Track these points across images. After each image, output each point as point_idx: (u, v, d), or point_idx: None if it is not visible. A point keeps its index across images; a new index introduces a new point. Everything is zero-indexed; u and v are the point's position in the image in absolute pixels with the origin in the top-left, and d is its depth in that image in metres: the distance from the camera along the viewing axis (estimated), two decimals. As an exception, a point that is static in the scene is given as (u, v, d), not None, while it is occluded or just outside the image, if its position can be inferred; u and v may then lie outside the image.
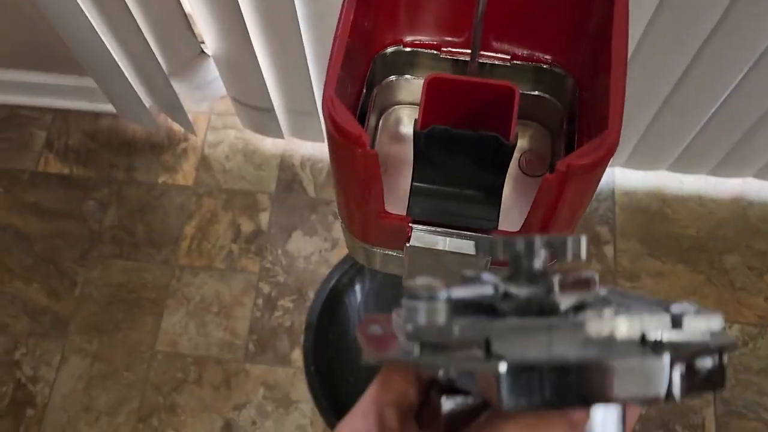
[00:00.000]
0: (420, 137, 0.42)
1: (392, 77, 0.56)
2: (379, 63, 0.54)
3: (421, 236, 0.44)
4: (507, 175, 0.57)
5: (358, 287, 1.14)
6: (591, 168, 0.36)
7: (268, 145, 1.24)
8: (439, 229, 0.44)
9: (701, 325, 0.22)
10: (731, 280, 1.10)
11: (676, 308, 0.22)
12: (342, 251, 1.15)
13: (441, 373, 0.25)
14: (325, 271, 1.14)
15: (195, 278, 1.14)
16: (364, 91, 0.56)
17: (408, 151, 0.57)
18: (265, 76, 1.03)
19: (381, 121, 0.60)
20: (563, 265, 0.25)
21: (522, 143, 0.57)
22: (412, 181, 0.46)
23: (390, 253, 0.53)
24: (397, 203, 0.54)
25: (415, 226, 0.44)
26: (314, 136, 1.19)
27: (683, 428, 1.02)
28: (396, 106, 0.60)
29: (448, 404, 0.26)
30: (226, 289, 1.13)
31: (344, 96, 0.53)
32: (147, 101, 1.18)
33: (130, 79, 1.09)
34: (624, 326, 0.22)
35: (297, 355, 1.09)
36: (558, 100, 0.53)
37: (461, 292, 0.23)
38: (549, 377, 0.21)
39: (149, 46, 1.03)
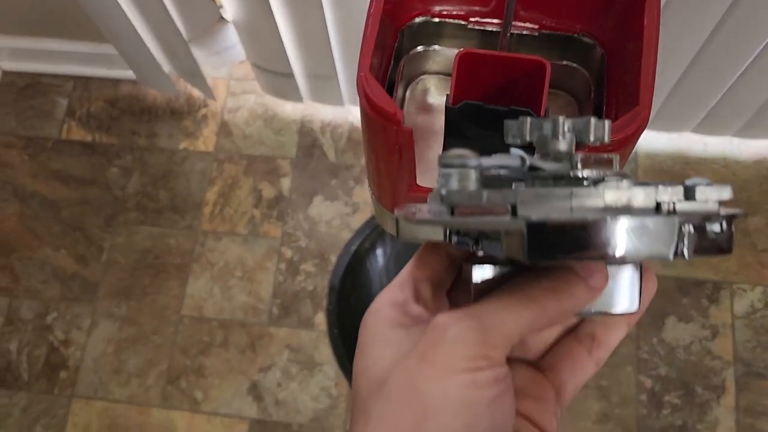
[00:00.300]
0: (451, 113, 0.42)
1: (420, 48, 0.56)
2: (407, 34, 0.53)
3: (451, 209, 0.44)
4: (534, 145, 0.57)
5: (379, 251, 1.15)
6: (622, 145, 0.36)
7: (288, 110, 1.23)
8: (469, 202, 0.44)
9: (712, 195, 0.24)
10: (754, 242, 1.10)
11: (689, 181, 0.25)
12: (363, 216, 1.16)
13: (472, 244, 0.27)
14: (347, 235, 1.15)
15: (218, 243, 1.16)
16: (392, 63, 0.56)
17: (435, 122, 0.57)
18: (284, 41, 1.02)
19: (408, 92, 0.60)
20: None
21: (549, 113, 0.56)
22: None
23: (418, 224, 0.53)
24: (424, 174, 0.54)
25: (445, 199, 0.45)
26: (334, 100, 1.19)
27: (704, 389, 1.03)
28: (423, 76, 0.59)
29: (477, 273, 0.29)
30: (249, 254, 1.15)
31: (373, 69, 0.53)
32: (166, 67, 1.19)
33: (149, 45, 1.09)
34: (640, 195, 0.24)
35: (320, 318, 1.11)
36: (586, 69, 0.53)
37: (491, 161, 0.26)
38: (569, 236, 0.23)
39: (168, 11, 1.02)
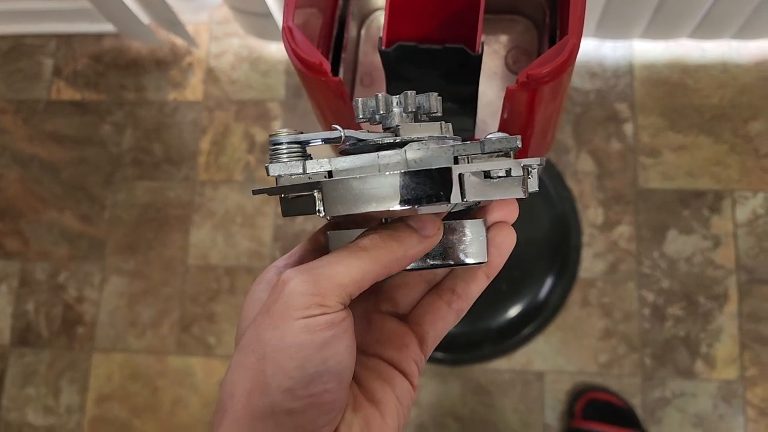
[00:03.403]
0: (386, 56, 0.41)
1: (366, -17, 0.54)
2: (351, -30, 0.51)
3: (400, 153, 0.44)
4: (494, 74, 0.55)
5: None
6: (553, 76, 0.35)
7: (273, 50, 1.21)
8: (417, 144, 0.44)
9: (500, 146, 0.28)
10: (755, 147, 1.07)
11: (490, 135, 0.28)
12: (357, 153, 1.15)
13: (319, 210, 0.31)
14: (342, 174, 1.15)
15: (216, 192, 1.17)
16: (340, 2, 0.54)
17: (392, 60, 0.56)
18: (257, -20, 0.99)
19: (363, 31, 0.58)
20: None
21: (508, 40, 0.55)
22: (387, 97, 0.46)
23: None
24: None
25: (393, 143, 0.44)
26: (318, 37, 1.16)
27: (706, 299, 1.03)
28: (376, 13, 0.58)
29: (333, 237, 0.32)
30: (248, 201, 1.16)
31: (320, 7, 0.51)
32: (144, 18, 1.17)
33: (123, -2, 1.07)
34: (439, 153, 0.28)
35: (322, 258, 1.12)
36: (539, -8, 0.50)
37: (313, 135, 0.30)
38: (355, 193, 0.27)
39: (136, -39, 1.00)
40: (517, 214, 0.34)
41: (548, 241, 1.08)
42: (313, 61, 0.37)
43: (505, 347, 1.07)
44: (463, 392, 1.05)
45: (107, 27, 1.22)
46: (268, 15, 1.08)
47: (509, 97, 0.36)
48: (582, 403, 1.00)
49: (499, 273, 0.34)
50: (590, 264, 1.06)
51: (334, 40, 0.54)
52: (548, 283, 1.07)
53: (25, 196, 1.21)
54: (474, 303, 0.35)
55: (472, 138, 0.44)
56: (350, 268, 0.28)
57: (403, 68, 0.42)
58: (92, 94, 1.24)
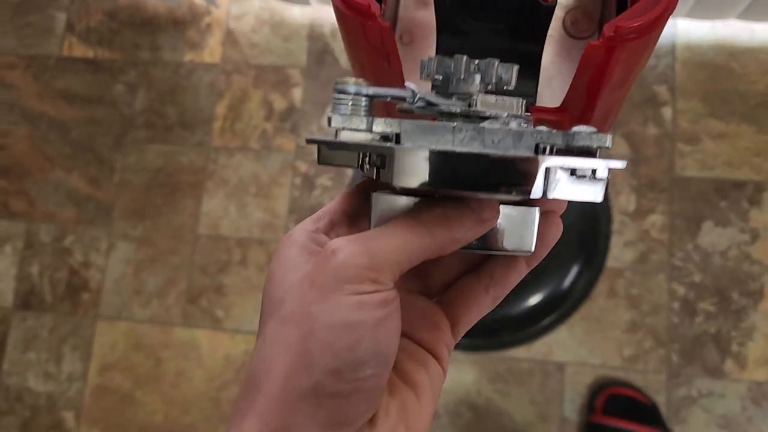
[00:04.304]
0: (443, 1, 0.36)
1: (414, -71, 0.48)
2: None
3: (448, 117, 0.39)
4: (549, 37, 0.50)
5: (397, 162, 1.10)
6: (645, 30, 0.29)
7: (296, 14, 1.16)
8: (468, 108, 0.39)
9: (590, 142, 0.26)
10: (802, 138, 1.01)
11: (574, 128, 0.26)
12: (379, 125, 1.10)
13: (375, 172, 0.28)
14: (363, 146, 1.10)
15: (231, 159, 1.12)
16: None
17: (436, 17, 0.50)
18: (284, -64, 0.94)
19: (405, -17, 0.52)
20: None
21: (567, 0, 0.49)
22: (436, 53, 0.40)
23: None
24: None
25: (441, 106, 0.39)
26: (343, 1, 1.10)
27: (740, 295, 0.98)
28: (421, -36, 0.52)
29: (378, 201, 0.29)
30: (263, 170, 1.11)
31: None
32: (163, -27, 1.11)
33: (142, -50, 1.01)
34: (524, 137, 0.26)
35: (338, 233, 1.08)
36: (609, -55, 0.45)
37: (382, 91, 0.27)
38: (438, 166, 0.24)
39: None
40: (566, 204, 0.32)
41: (576, 227, 1.03)
42: (360, 2, 0.32)
43: (524, 336, 1.02)
44: (479, 380, 1.01)
45: (123, -18, 1.16)
46: (292, -25, 1.03)
47: (589, 56, 0.31)
48: (603, 397, 0.96)
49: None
50: (619, 253, 1.01)
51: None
52: (574, 270, 1.02)
53: (32, 155, 1.17)
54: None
55: (532, 106, 0.39)
56: (407, 244, 0.26)
57: (460, 19, 0.37)
58: (105, 52, 1.19)
